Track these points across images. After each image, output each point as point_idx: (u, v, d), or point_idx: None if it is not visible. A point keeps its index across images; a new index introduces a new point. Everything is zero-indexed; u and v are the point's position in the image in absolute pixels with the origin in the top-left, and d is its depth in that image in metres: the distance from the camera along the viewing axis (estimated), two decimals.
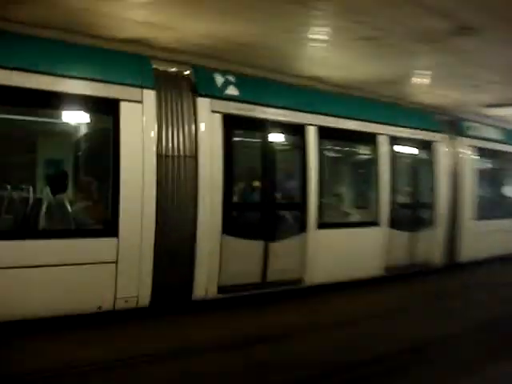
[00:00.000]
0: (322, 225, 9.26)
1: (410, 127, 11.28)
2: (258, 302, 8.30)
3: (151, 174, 7.31)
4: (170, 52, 8.89)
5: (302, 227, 9.06)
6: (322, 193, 9.32)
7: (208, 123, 7.96)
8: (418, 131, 11.45)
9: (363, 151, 11.45)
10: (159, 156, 7.44)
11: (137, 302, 7.28)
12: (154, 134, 7.41)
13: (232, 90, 8.36)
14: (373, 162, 10.68)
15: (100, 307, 6.96)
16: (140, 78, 7.44)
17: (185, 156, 7.70)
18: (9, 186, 7.76)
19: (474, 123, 13.48)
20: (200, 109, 7.92)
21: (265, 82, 9.22)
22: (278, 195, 9.23)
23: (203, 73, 8.32)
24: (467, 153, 12.70)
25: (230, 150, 8.18)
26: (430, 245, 11.44)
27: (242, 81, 8.57)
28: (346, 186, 11.88)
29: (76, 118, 7.76)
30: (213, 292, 8.01)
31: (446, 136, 12.17)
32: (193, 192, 7.71)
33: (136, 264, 7.18)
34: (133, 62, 7.63)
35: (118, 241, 7.03)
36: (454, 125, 12.71)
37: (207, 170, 7.84)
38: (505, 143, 14.31)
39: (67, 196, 7.69)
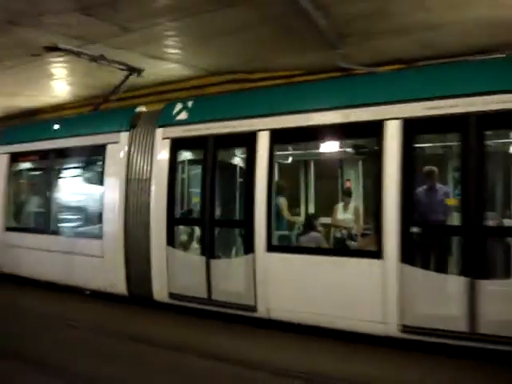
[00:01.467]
0: (273, 247, 7.93)
1: None
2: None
3: (122, 193, 9.66)
4: None
5: (247, 248, 8.14)
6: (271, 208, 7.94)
7: (159, 149, 9.36)
8: None
9: None
10: (127, 179, 9.57)
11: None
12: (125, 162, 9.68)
13: (183, 115, 9.29)
14: None
15: None
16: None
17: (143, 179, 9.44)
18: None
19: None
20: (156, 138, 9.47)
21: (214, 97, 8.70)
22: (219, 211, 8.57)
23: (167, 105, 9.73)
24: None
25: (174, 170, 9.25)
26: None
27: (193, 103, 9.06)
28: None
29: None
30: (165, 297, 9.10)
31: None
32: (148, 208, 9.29)
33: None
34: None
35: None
36: None
37: (156, 189, 9.29)
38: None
39: None
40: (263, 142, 8.08)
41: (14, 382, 5.95)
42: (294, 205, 10.99)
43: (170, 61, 13.11)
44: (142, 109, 10.50)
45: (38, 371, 6.21)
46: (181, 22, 10.25)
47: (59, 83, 16.05)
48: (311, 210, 11.50)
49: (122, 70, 11.87)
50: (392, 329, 6.89)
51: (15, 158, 12.58)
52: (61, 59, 13.18)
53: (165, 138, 9.32)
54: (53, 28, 10.67)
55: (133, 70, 11.89)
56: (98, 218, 10.11)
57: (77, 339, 7.67)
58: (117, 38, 11.20)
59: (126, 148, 9.78)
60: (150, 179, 9.37)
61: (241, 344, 7.42)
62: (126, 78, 11.94)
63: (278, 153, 8.82)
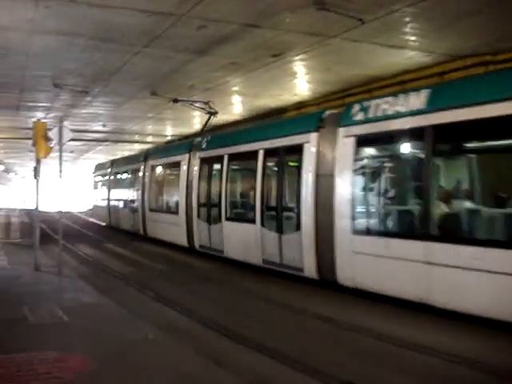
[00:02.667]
0: None
1: None
2: None
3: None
4: None
5: None
6: None
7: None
8: None
9: None
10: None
11: None
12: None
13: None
14: None
15: None
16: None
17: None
18: None
19: None
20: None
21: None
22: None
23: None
24: None
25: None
26: None
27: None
28: None
29: None
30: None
31: None
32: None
33: None
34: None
35: None
36: None
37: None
38: None
39: None
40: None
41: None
42: None
43: (408, 48, 12.55)
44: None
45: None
46: (418, 6, 9.68)
47: (300, 81, 16.50)
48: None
49: None
50: (260, 261, 12.19)
51: None
52: (300, 57, 13.51)
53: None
54: (290, 26, 10.91)
55: None
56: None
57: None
58: (353, 30, 11.06)
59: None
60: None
61: None
62: None
63: None
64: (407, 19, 10.51)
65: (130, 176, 24.27)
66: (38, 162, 11.30)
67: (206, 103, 18.20)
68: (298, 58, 13.55)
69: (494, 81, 8.27)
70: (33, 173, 11.61)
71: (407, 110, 8.81)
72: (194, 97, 18.62)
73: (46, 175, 46.99)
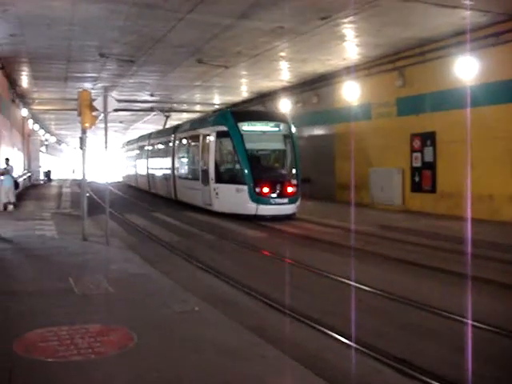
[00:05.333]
0: None
1: None
2: None
3: None
4: None
5: None
6: None
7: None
8: None
9: None
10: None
11: None
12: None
13: None
14: None
15: None
16: None
17: None
18: None
19: None
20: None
21: None
22: None
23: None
24: None
25: None
26: None
27: None
28: None
29: None
30: None
31: None
32: None
33: None
34: None
35: None
36: None
37: None
38: None
39: None
40: None
41: None
42: None
43: (462, 8, 11.90)
44: None
45: None
46: None
47: (349, 45, 15.94)
48: None
49: None
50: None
51: None
52: (349, 19, 12.97)
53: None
54: None
55: None
56: None
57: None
58: None
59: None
60: None
61: None
62: None
63: None
64: None
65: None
66: (84, 132, 11.21)
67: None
68: (347, 20, 13.05)
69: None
70: (79, 143, 11.57)
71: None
72: (241, 63, 18.32)
73: (97, 145, 47.83)
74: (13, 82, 21.97)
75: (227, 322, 5.99)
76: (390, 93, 17.91)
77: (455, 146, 14.94)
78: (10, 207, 17.14)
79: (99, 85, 22.26)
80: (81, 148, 11.48)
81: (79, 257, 9.56)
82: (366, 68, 18.38)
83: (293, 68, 19.79)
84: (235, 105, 29.41)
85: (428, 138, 16.28)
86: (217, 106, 31.21)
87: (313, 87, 22.09)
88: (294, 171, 16.99)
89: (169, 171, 23.24)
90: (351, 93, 19.18)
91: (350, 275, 8.34)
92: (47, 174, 40.60)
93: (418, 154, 16.75)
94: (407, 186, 17.27)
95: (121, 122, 38.16)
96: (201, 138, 18.48)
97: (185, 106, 31.43)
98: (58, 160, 65.17)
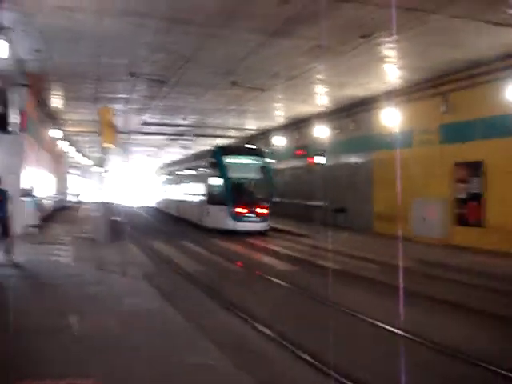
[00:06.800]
0: None
1: None
2: None
3: None
4: None
5: None
6: None
7: None
8: None
9: None
10: None
11: None
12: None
13: None
14: None
15: None
16: None
17: None
18: None
19: None
20: None
21: None
22: None
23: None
24: None
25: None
26: None
27: None
28: None
29: None
30: None
31: None
32: None
33: None
34: None
35: None
36: None
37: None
38: None
39: None
40: None
41: None
42: None
43: None
44: None
45: None
46: None
47: (390, 67, 14.98)
48: None
49: None
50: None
51: None
52: (392, 38, 12.04)
53: None
54: (383, 0, 9.52)
55: None
56: None
57: None
58: (456, 3, 9.56)
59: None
60: None
61: None
62: None
63: None
64: None
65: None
66: (105, 151, 10.48)
67: None
68: (389, 39, 12.10)
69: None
70: (100, 164, 10.89)
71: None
72: (277, 86, 17.51)
73: (130, 168, 47.57)
74: (41, 102, 21.55)
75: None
76: (432, 119, 16.80)
77: (507, 176, 13.76)
78: (33, 230, 16.56)
79: (130, 107, 21.74)
80: (102, 167, 10.77)
81: (90, 288, 8.71)
82: (407, 93, 17.37)
83: (330, 92, 18.87)
84: (270, 130, 28.65)
85: (474, 168, 15.10)
86: (251, 132, 30.48)
87: (350, 113, 21.18)
88: (265, 196, 21.56)
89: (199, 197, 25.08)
90: (391, 119, 18.11)
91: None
92: (77, 196, 40.45)
93: (463, 185, 15.58)
94: (450, 218, 16.05)
95: (154, 147, 37.81)
96: (200, 168, 24.40)
97: (218, 132, 30.77)
98: (91, 182, 65.32)
